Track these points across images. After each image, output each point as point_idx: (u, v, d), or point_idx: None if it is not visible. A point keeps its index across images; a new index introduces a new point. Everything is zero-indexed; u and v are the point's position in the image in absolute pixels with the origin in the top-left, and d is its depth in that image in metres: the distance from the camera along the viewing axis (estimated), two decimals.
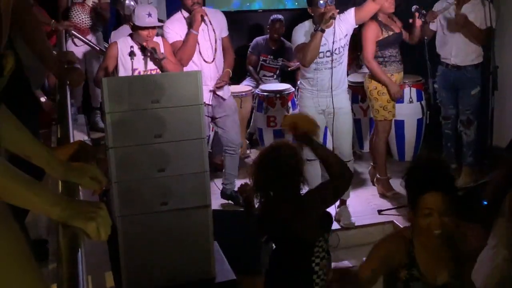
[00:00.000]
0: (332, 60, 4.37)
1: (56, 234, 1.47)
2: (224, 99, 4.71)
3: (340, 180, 2.69)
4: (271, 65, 6.52)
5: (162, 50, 4.38)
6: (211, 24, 4.56)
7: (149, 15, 4.28)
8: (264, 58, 6.50)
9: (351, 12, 4.41)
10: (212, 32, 4.59)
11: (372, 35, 4.77)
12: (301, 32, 4.43)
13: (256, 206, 2.88)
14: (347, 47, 4.50)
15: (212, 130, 5.26)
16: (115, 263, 3.01)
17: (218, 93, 4.66)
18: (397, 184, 5.09)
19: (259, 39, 6.59)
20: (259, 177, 2.71)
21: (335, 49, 4.37)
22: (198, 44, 4.53)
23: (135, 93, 2.90)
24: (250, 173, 2.76)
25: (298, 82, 4.80)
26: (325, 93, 4.46)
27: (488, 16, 4.87)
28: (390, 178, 5.13)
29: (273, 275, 2.79)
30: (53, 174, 1.65)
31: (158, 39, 4.46)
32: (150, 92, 2.92)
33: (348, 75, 6.14)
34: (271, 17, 6.50)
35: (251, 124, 6.27)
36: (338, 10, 4.22)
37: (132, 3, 5.24)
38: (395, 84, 4.85)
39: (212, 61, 4.61)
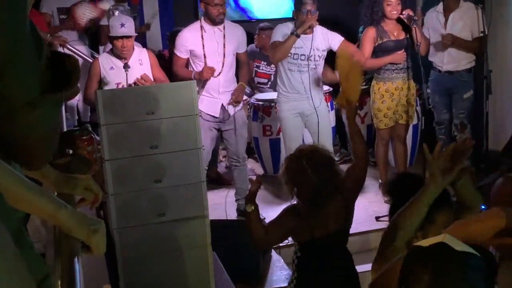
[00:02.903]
0: (307, 65, 4.57)
1: (53, 247, 1.46)
2: (232, 113, 4.72)
3: (363, 161, 2.99)
4: (264, 71, 6.53)
5: (147, 61, 4.48)
6: (224, 38, 4.57)
7: (122, 25, 4.34)
8: (258, 64, 6.51)
9: (337, 40, 4.62)
10: (223, 47, 4.60)
11: (368, 39, 4.81)
12: (281, 31, 4.62)
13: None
14: (323, 59, 4.69)
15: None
16: (113, 275, 3.00)
17: (229, 109, 4.67)
18: None
19: (252, 45, 6.61)
20: (301, 179, 2.73)
21: (311, 56, 4.56)
22: (205, 56, 4.55)
23: (130, 105, 2.90)
24: (287, 181, 2.80)
25: (277, 86, 4.87)
26: (300, 96, 4.64)
27: (481, 22, 4.89)
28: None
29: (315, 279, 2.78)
30: (47, 183, 1.64)
31: (142, 51, 4.56)
32: (144, 103, 2.92)
33: None
34: (258, 26, 6.49)
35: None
36: (318, 22, 4.47)
37: (116, 13, 5.27)
38: (394, 54, 4.82)
39: (218, 74, 4.60)
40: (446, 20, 5.12)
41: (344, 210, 2.87)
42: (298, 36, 4.43)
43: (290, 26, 4.61)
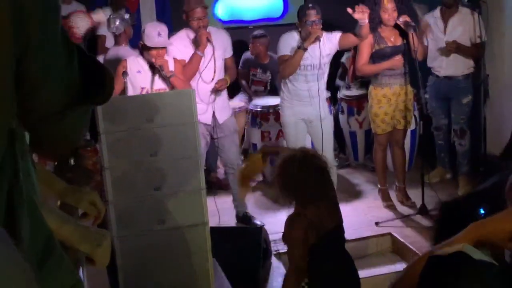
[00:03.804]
0: (313, 74, 4.59)
1: None
2: (222, 121, 4.73)
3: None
4: (261, 79, 6.54)
5: (172, 68, 4.36)
6: (212, 44, 4.58)
7: (159, 34, 4.25)
8: (254, 72, 6.52)
9: (337, 36, 4.63)
10: (213, 53, 4.61)
11: (365, 45, 4.82)
12: (288, 43, 4.62)
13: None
14: (328, 65, 4.71)
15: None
16: (114, 283, 3.00)
17: (219, 117, 4.67)
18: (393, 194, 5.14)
19: (247, 53, 6.61)
20: (300, 185, 2.75)
21: (317, 65, 4.55)
22: None
23: (129, 112, 2.91)
24: (281, 187, 2.82)
25: (280, 92, 4.89)
26: (303, 103, 4.66)
27: (478, 28, 4.92)
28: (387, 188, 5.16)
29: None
30: (53, 192, 1.65)
31: (168, 57, 4.43)
32: (144, 111, 2.93)
33: (349, 87, 6.21)
34: (251, 34, 6.48)
35: (244, 139, 6.27)
36: (323, 32, 4.47)
37: (117, 23, 5.25)
38: (392, 60, 4.84)
39: (211, 81, 4.64)
40: (446, 25, 5.13)
41: (335, 205, 2.92)
42: (305, 49, 4.45)
43: (295, 36, 4.61)
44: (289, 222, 2.87)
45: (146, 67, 4.34)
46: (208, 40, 4.50)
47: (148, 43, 4.24)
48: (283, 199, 2.89)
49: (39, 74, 0.95)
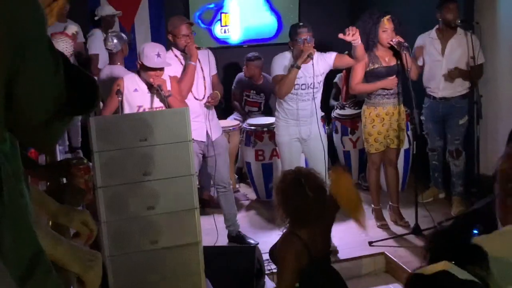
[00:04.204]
0: (307, 93, 4.59)
1: None
2: (215, 138, 4.73)
3: None
4: (255, 100, 6.56)
5: (169, 87, 4.36)
6: (200, 62, 4.61)
7: (158, 55, 4.23)
8: (247, 93, 6.54)
9: (332, 56, 4.63)
10: (201, 71, 4.64)
11: (359, 65, 4.84)
12: (281, 63, 4.62)
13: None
14: (322, 84, 4.70)
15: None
16: None
17: (210, 132, 4.68)
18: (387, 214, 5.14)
19: (241, 74, 6.63)
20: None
21: (311, 84, 4.56)
22: None
23: (123, 131, 2.91)
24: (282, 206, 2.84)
25: (275, 111, 4.90)
26: (299, 122, 4.66)
27: (471, 47, 4.94)
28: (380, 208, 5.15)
29: None
30: (44, 212, 1.64)
31: (165, 77, 4.40)
32: (138, 130, 2.93)
33: (343, 107, 6.22)
34: (245, 57, 6.49)
35: (238, 158, 6.27)
36: (315, 50, 4.47)
37: (115, 41, 5.25)
38: (386, 80, 4.86)
39: (203, 98, 4.66)
40: (444, 47, 5.16)
41: (329, 229, 2.95)
42: (299, 67, 4.44)
43: (287, 56, 4.63)
44: (283, 241, 2.87)
45: (143, 85, 4.34)
46: (198, 48, 4.52)
47: (147, 63, 4.23)
48: (279, 217, 2.89)
49: (28, 88, 0.98)
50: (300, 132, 4.69)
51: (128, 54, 5.37)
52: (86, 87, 1.13)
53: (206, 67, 4.69)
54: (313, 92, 4.60)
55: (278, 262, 2.89)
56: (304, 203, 2.75)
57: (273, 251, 3.02)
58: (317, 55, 4.55)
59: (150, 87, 4.31)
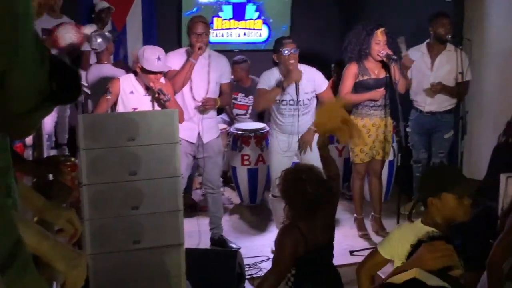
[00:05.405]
0: (295, 109, 4.63)
1: None
2: (207, 141, 4.72)
3: (337, 180, 3.10)
4: (242, 103, 6.57)
5: (167, 90, 4.33)
6: (209, 66, 4.61)
7: (159, 58, 4.22)
8: (235, 96, 6.54)
9: (321, 87, 4.72)
10: (207, 74, 4.63)
11: (349, 74, 4.88)
12: (268, 78, 4.68)
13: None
14: (314, 100, 4.76)
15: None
16: None
17: (204, 137, 4.67)
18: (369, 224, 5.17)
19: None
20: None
21: (300, 101, 4.62)
22: (192, 81, 4.57)
23: (111, 130, 2.91)
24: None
25: (270, 124, 4.93)
26: (288, 136, 4.72)
27: (460, 63, 4.99)
28: (362, 218, 5.19)
29: None
30: (30, 207, 1.64)
31: (162, 80, 4.39)
32: (126, 129, 2.93)
33: None
34: (232, 60, 6.47)
35: (224, 162, 6.27)
36: (303, 71, 4.53)
37: (99, 40, 5.24)
38: (373, 92, 4.90)
39: (201, 100, 4.63)
40: (433, 62, 5.22)
41: (331, 222, 3.00)
42: (283, 89, 4.53)
43: (275, 73, 4.67)
44: (283, 230, 2.95)
45: (139, 88, 4.31)
46: (200, 48, 4.50)
47: (148, 67, 4.21)
48: (285, 214, 2.95)
49: (15, 80, 0.98)
50: (293, 144, 4.73)
51: (117, 54, 5.37)
52: (68, 78, 1.14)
53: (215, 73, 4.66)
54: (303, 108, 4.64)
55: (275, 247, 2.95)
56: (305, 198, 2.82)
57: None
58: (304, 71, 4.57)
59: (148, 89, 4.30)
